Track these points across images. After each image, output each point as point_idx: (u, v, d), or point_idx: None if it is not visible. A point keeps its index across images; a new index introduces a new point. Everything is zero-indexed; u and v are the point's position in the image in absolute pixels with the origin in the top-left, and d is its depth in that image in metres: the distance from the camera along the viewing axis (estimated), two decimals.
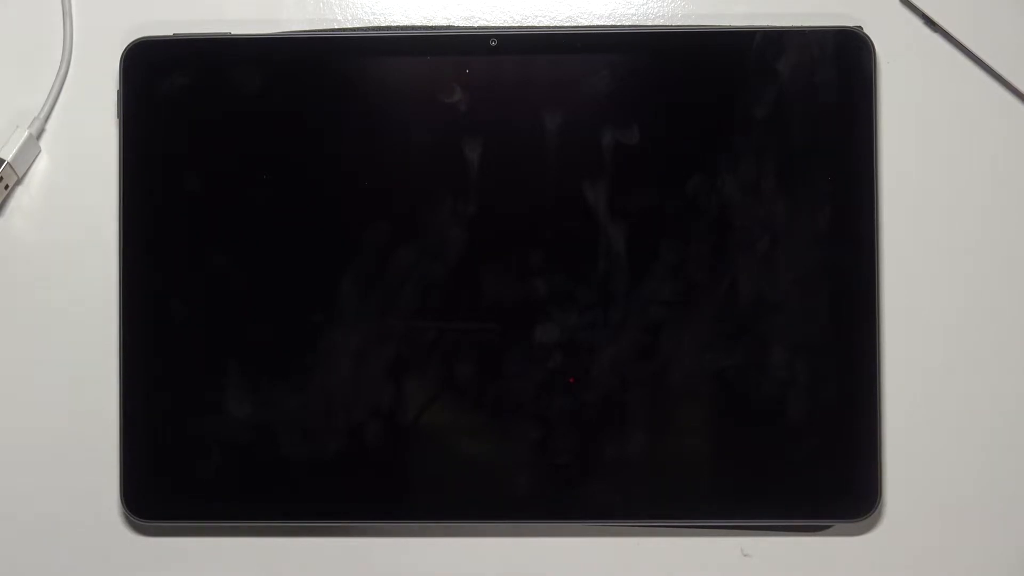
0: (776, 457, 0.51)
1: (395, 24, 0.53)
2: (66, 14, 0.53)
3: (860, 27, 0.51)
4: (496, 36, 0.51)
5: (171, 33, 0.51)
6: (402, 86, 0.51)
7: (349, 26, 0.53)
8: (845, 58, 0.50)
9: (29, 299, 0.53)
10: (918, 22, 0.53)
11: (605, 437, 0.51)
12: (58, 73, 0.52)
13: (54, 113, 0.53)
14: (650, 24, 0.53)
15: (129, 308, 0.51)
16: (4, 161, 0.51)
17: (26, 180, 0.53)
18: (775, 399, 0.50)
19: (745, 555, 0.52)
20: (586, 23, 0.53)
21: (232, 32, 0.51)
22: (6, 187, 0.52)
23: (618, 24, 0.53)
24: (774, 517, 0.51)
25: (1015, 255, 0.53)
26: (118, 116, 0.51)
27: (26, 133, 0.52)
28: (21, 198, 0.53)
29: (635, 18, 0.53)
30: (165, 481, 0.51)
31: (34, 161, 0.53)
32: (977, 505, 0.52)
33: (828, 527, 0.52)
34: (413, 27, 0.53)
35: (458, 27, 0.53)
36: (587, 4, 0.53)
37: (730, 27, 0.51)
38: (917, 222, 0.52)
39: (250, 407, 0.51)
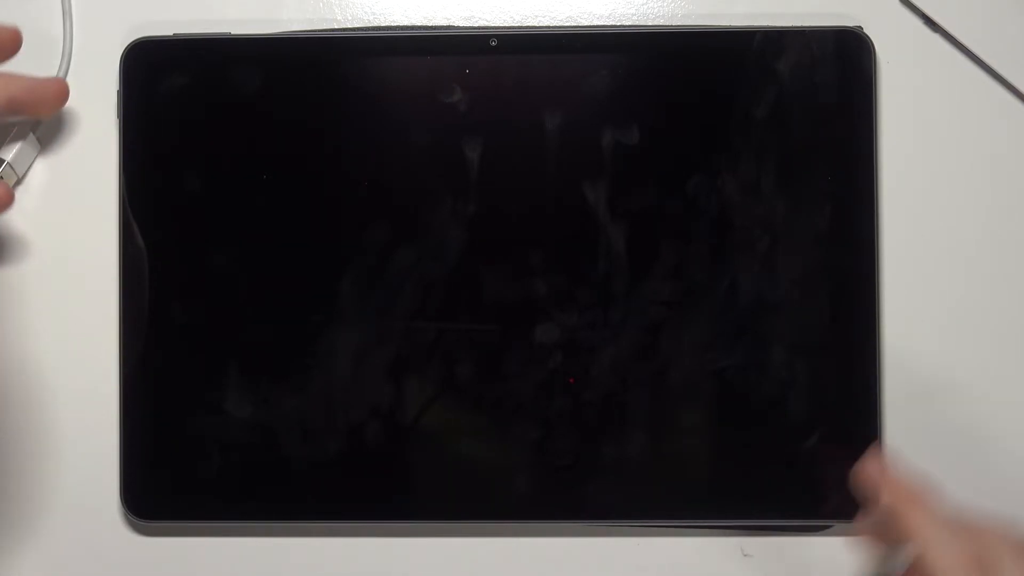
0: (776, 457, 0.51)
1: (395, 24, 0.53)
2: (66, 14, 0.53)
3: (860, 27, 0.51)
4: (496, 36, 0.51)
5: (171, 33, 0.51)
6: (402, 86, 0.51)
7: (349, 26, 0.53)
8: (845, 58, 0.50)
9: (29, 299, 0.53)
10: (918, 22, 0.53)
11: (605, 437, 0.51)
12: (58, 73, 0.52)
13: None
14: (650, 24, 0.53)
15: (129, 308, 0.51)
16: (4, 161, 0.51)
17: (26, 180, 0.53)
18: (775, 399, 0.50)
19: (745, 555, 0.52)
20: (586, 23, 0.53)
21: (232, 32, 0.51)
22: None
23: (618, 24, 0.53)
24: (774, 517, 0.51)
25: (1015, 255, 0.53)
26: (118, 116, 0.51)
27: (27, 133, 0.52)
28: (21, 198, 0.53)
29: (635, 18, 0.53)
30: (165, 481, 0.51)
31: (34, 161, 0.53)
32: (976, 506, 0.52)
33: (828, 527, 0.52)
34: (413, 27, 0.53)
35: (458, 27, 0.53)
36: (587, 4, 0.53)
37: (730, 27, 0.51)
38: (917, 222, 0.52)
39: (250, 407, 0.51)
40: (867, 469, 0.46)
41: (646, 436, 0.51)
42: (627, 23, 0.53)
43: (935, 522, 0.43)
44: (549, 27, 0.53)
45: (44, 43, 0.53)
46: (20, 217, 0.53)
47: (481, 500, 0.51)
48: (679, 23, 0.53)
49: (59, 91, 0.50)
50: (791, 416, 0.50)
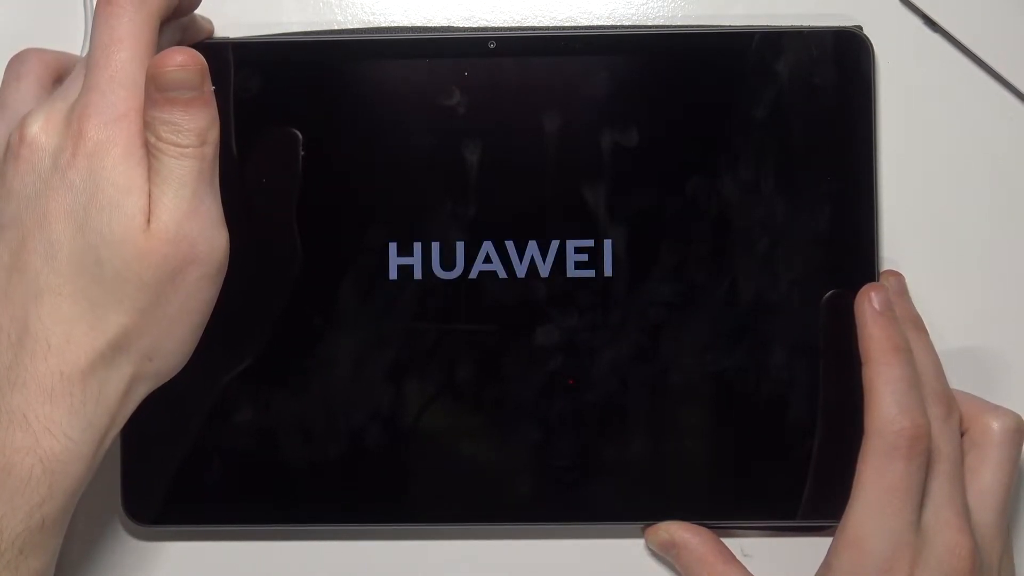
0: (776, 457, 0.51)
1: (394, 25, 0.53)
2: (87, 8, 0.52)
3: (859, 27, 0.51)
4: (495, 38, 0.51)
5: None
6: (401, 88, 0.51)
7: (349, 27, 0.53)
8: (844, 58, 0.50)
9: None
10: (918, 22, 0.52)
11: (605, 439, 0.51)
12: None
13: None
14: (649, 25, 0.53)
15: None
16: None
17: None
18: (775, 400, 0.51)
19: (745, 555, 0.52)
20: (586, 23, 0.53)
21: (231, 33, 0.51)
22: None
23: (617, 25, 0.53)
24: (774, 517, 0.51)
25: (1016, 255, 0.52)
26: None
27: None
28: None
29: (634, 19, 0.53)
30: (166, 486, 0.51)
31: None
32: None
33: (828, 527, 0.52)
34: (412, 28, 0.53)
35: (456, 28, 0.53)
36: (586, 5, 0.53)
37: (729, 28, 0.51)
38: (917, 222, 0.52)
39: (250, 411, 0.51)
40: (864, 306, 0.49)
41: (646, 437, 0.51)
42: (626, 24, 0.53)
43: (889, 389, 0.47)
44: (547, 28, 0.53)
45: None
46: None
47: (482, 502, 0.51)
48: (679, 23, 0.53)
49: None
50: (791, 417, 0.50)
